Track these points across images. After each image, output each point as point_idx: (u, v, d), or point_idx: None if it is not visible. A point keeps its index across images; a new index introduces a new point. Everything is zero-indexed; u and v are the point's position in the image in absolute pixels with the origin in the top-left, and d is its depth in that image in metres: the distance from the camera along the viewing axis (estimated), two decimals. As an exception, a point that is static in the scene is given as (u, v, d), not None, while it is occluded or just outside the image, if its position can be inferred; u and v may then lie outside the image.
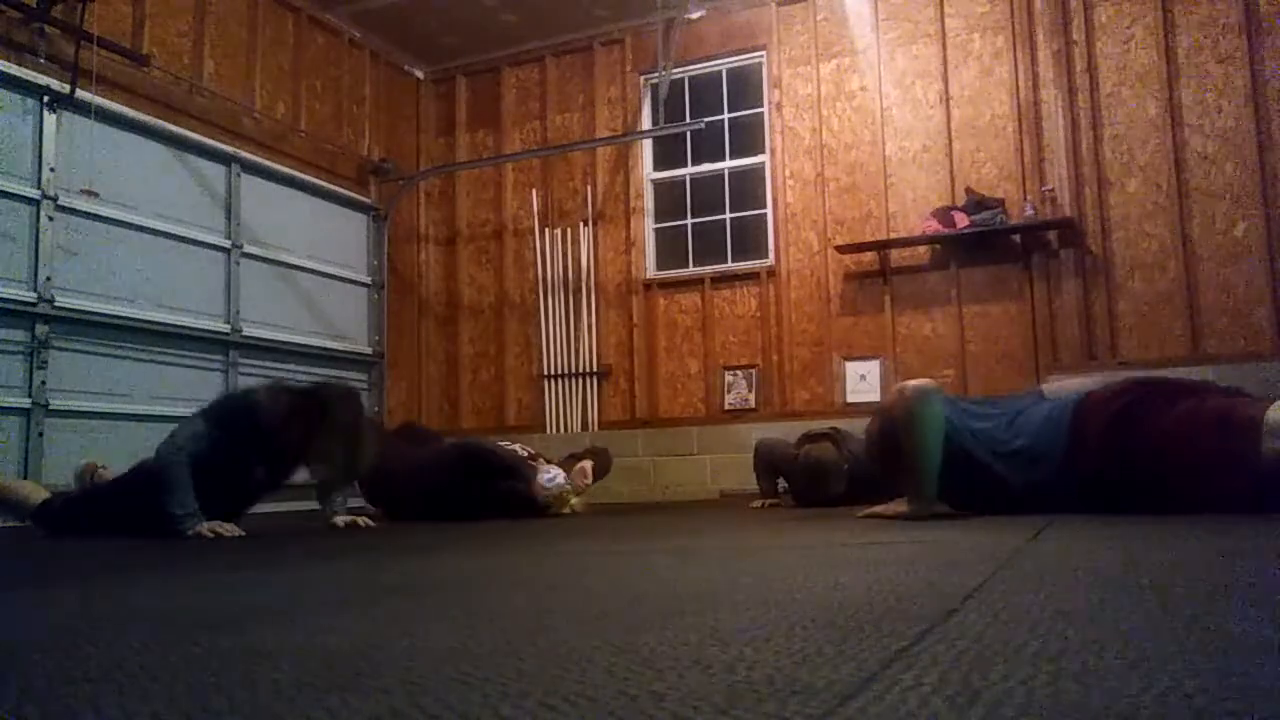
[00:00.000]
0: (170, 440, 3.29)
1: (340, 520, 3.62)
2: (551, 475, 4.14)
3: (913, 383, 3.02)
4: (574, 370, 6.63)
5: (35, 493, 3.75)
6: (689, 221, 6.59)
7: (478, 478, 4.10)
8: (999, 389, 5.47)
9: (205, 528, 3.12)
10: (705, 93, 6.62)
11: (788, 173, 6.23)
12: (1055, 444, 2.85)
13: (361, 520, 3.67)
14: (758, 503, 4.29)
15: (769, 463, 4.40)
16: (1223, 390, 2.83)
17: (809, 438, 4.22)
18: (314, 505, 4.24)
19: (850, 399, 5.87)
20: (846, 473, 4.00)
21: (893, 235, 5.85)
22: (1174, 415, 2.66)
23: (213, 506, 3.21)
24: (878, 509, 3.01)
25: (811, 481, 4.08)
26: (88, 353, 4.72)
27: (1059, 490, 2.82)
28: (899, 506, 2.94)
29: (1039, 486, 2.86)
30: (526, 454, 4.39)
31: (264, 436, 3.32)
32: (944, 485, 2.92)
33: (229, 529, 3.15)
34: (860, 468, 3.99)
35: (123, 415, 4.84)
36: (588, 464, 4.48)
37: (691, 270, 6.50)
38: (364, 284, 6.63)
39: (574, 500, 4.23)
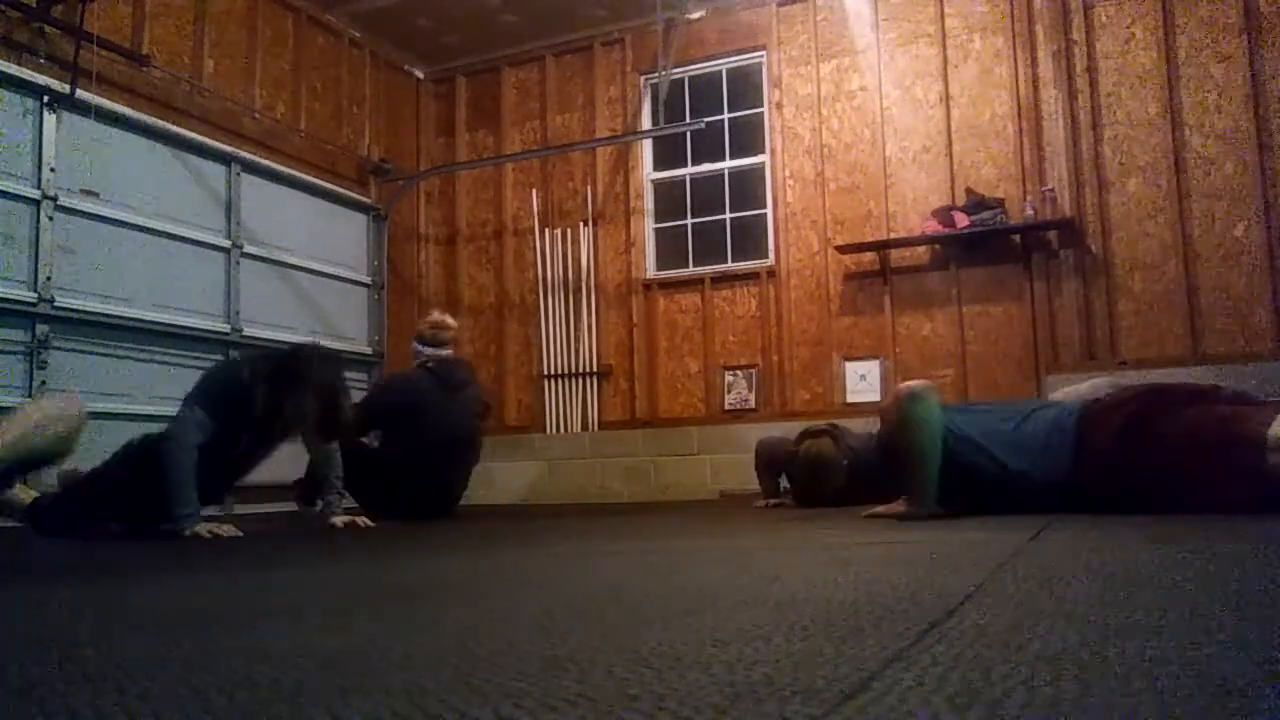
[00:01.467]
0: (176, 440, 3.26)
1: (339, 521, 3.62)
2: None
3: (905, 384, 3.04)
4: (574, 370, 6.63)
5: (24, 493, 3.74)
6: (689, 221, 6.59)
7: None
8: (999, 389, 5.49)
9: (204, 528, 3.12)
10: (705, 93, 6.61)
11: (788, 173, 6.23)
12: (1061, 454, 2.85)
13: (360, 521, 3.67)
14: (760, 502, 4.29)
15: (769, 461, 4.40)
16: (1228, 396, 2.82)
17: (808, 434, 4.22)
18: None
19: (850, 399, 5.87)
20: (846, 468, 3.99)
21: (893, 235, 5.85)
22: (1177, 427, 2.66)
23: (201, 486, 3.21)
24: (879, 509, 3.02)
25: (810, 477, 4.07)
26: (88, 353, 4.72)
27: (1064, 500, 2.83)
28: (900, 506, 2.95)
29: (1045, 496, 2.86)
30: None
31: (249, 406, 3.30)
32: (950, 492, 2.92)
33: (227, 529, 3.15)
34: (860, 463, 3.99)
35: (123, 415, 4.84)
36: None
37: (691, 270, 6.50)
38: (364, 284, 6.63)
39: None
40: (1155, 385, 3.05)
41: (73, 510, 3.54)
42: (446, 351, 4.60)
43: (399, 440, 4.37)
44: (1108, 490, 2.75)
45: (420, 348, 4.59)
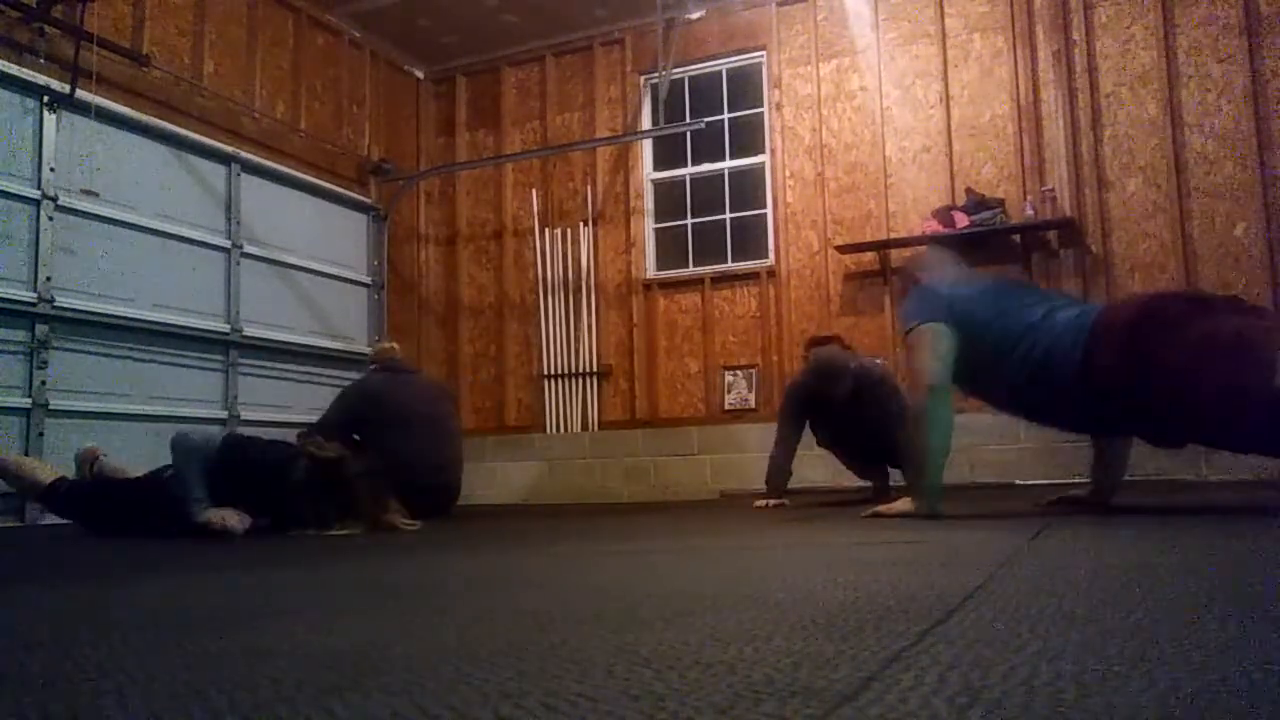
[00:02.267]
0: (183, 432, 3.29)
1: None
2: None
3: (929, 377, 2.92)
4: (574, 370, 6.62)
5: (44, 472, 3.75)
6: (689, 221, 6.59)
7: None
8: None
9: (215, 515, 3.10)
10: (705, 93, 6.61)
11: (788, 173, 6.23)
12: (1072, 352, 2.75)
13: None
14: (761, 502, 4.28)
15: (792, 403, 4.40)
16: (1244, 310, 2.74)
17: (815, 340, 4.43)
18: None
19: (850, 399, 5.86)
20: (852, 374, 4.14)
21: (893, 235, 5.85)
22: (1190, 337, 2.56)
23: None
24: (881, 508, 3.01)
25: (819, 381, 4.17)
26: (88, 353, 4.72)
27: (1071, 399, 2.77)
28: (903, 505, 2.94)
29: (1053, 392, 2.80)
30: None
31: (271, 490, 3.26)
32: (963, 373, 2.90)
33: (237, 519, 3.12)
34: (866, 381, 4.15)
35: (123, 415, 4.84)
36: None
37: (691, 270, 6.50)
38: (364, 284, 6.63)
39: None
40: (1178, 291, 2.96)
41: (89, 508, 3.57)
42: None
43: (375, 434, 4.32)
44: (1113, 394, 2.68)
45: (370, 367, 4.87)
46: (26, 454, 4.38)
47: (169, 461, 3.34)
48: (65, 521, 3.84)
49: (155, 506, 3.27)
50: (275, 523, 3.28)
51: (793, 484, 4.42)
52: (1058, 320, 2.84)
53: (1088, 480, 3.33)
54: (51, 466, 3.87)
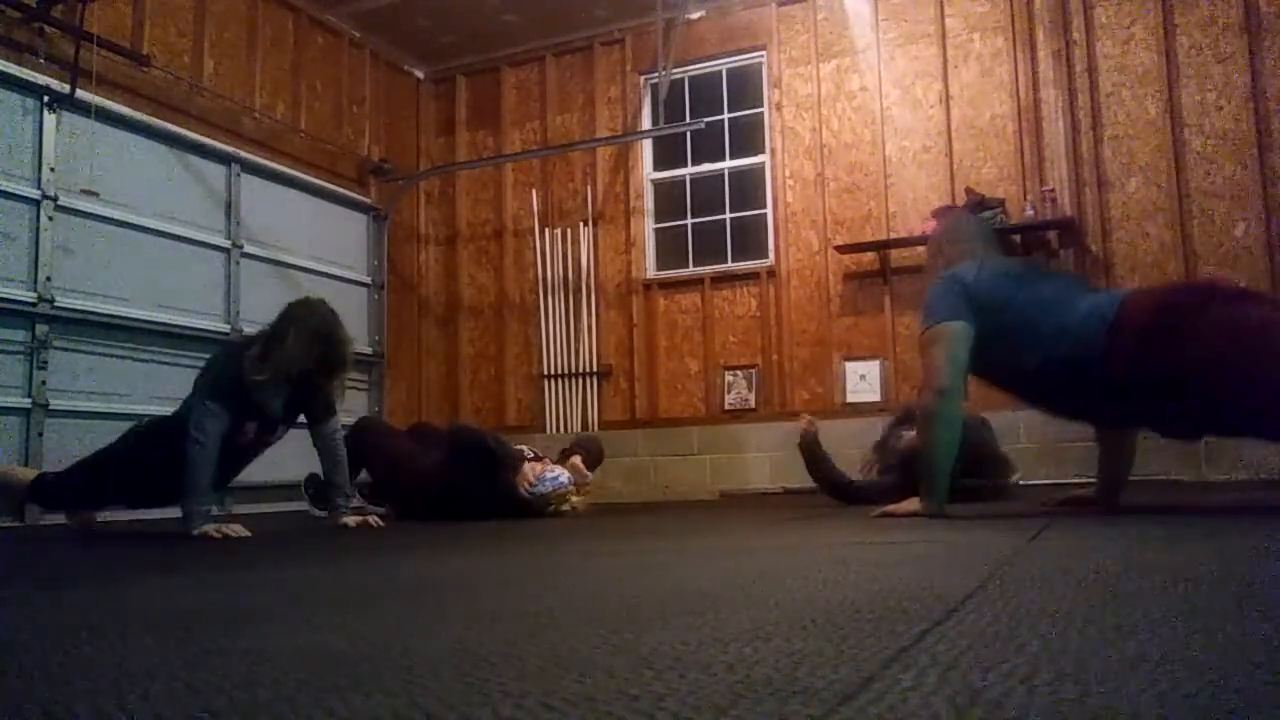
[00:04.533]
0: (200, 439, 3.24)
1: (350, 520, 3.61)
2: (555, 474, 4.14)
3: (939, 379, 2.91)
4: (574, 370, 6.62)
5: (25, 474, 3.76)
6: (689, 221, 6.59)
7: (471, 469, 4.08)
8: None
9: (212, 528, 3.11)
10: (705, 93, 6.61)
11: (788, 173, 6.23)
12: (1096, 335, 2.72)
13: (372, 519, 3.66)
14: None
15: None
16: (1264, 300, 2.75)
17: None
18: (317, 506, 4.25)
19: (850, 399, 5.87)
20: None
21: (893, 235, 5.85)
22: (1214, 324, 2.54)
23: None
24: (890, 508, 3.01)
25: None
26: (88, 353, 4.72)
27: (1090, 382, 2.75)
28: (910, 506, 2.95)
29: (1072, 376, 2.77)
30: (532, 455, 4.36)
31: (253, 390, 3.31)
32: (977, 358, 2.87)
33: (235, 530, 3.13)
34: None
35: (123, 415, 4.82)
36: (577, 458, 4.45)
37: (691, 270, 6.50)
38: (364, 284, 6.63)
39: (574, 499, 4.22)
40: (1209, 280, 2.94)
41: (75, 488, 3.57)
42: None
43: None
44: (1134, 379, 2.65)
45: None
46: (27, 454, 4.38)
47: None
48: (65, 522, 3.84)
49: (136, 478, 3.28)
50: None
51: (796, 485, 4.42)
52: (1080, 307, 2.80)
53: (1091, 480, 3.33)
54: (32, 469, 3.89)
